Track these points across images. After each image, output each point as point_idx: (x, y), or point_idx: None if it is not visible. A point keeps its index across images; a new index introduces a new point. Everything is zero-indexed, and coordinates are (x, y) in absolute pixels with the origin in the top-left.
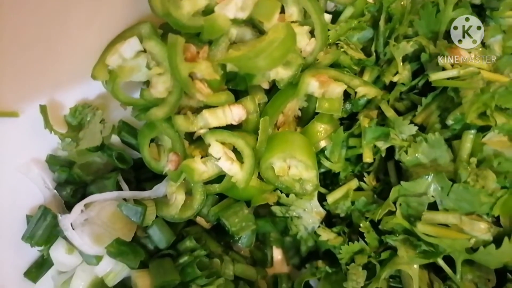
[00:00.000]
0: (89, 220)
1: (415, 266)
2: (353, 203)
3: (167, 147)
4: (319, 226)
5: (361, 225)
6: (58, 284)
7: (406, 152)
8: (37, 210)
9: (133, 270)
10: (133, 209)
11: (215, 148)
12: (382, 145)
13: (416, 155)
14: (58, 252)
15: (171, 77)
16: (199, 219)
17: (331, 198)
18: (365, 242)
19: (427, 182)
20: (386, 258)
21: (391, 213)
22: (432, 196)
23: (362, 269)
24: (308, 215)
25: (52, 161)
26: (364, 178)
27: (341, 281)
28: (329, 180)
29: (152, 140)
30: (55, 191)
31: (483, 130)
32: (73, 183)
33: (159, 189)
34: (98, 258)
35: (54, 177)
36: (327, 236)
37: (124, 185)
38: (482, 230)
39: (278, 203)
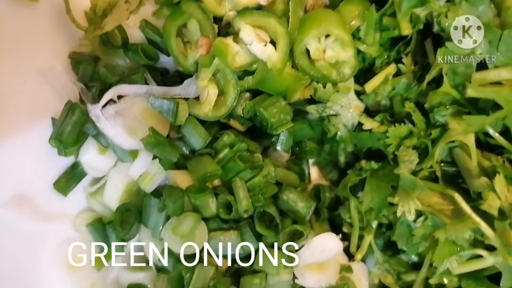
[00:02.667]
0: (121, 112)
1: (471, 135)
2: (393, 89)
3: (195, 39)
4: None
5: (405, 106)
6: (91, 192)
7: (446, 16)
8: (64, 106)
9: (169, 170)
10: (164, 103)
11: (246, 31)
12: (421, 12)
13: (457, 18)
14: (88, 153)
15: None
16: (233, 122)
17: (369, 86)
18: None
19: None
20: (437, 136)
21: (437, 87)
22: (481, 54)
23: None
24: (346, 111)
25: (76, 57)
26: (402, 60)
27: (389, 173)
28: (362, 79)
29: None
30: (82, 84)
31: None
32: (99, 82)
33: (189, 87)
34: (133, 154)
35: (78, 77)
36: (370, 124)
37: (152, 82)
38: None
39: (313, 101)
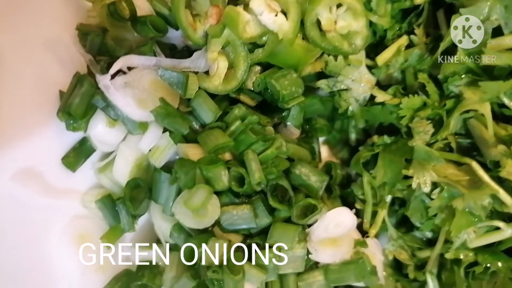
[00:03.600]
0: (130, 83)
1: (487, 104)
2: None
3: (204, 11)
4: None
5: (418, 77)
6: (100, 168)
7: None
8: (72, 78)
9: (180, 144)
10: (174, 75)
11: (257, 1)
12: None
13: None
14: (97, 127)
15: None
16: (243, 97)
17: (381, 59)
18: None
19: (489, 3)
20: (452, 107)
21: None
22: (496, 19)
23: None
24: (357, 85)
25: (83, 29)
26: (414, 31)
27: (403, 147)
28: (373, 54)
29: None
30: (90, 56)
31: None
32: (107, 55)
33: (199, 59)
34: (143, 126)
35: (86, 49)
36: (383, 97)
37: (161, 54)
38: None
39: (324, 77)
